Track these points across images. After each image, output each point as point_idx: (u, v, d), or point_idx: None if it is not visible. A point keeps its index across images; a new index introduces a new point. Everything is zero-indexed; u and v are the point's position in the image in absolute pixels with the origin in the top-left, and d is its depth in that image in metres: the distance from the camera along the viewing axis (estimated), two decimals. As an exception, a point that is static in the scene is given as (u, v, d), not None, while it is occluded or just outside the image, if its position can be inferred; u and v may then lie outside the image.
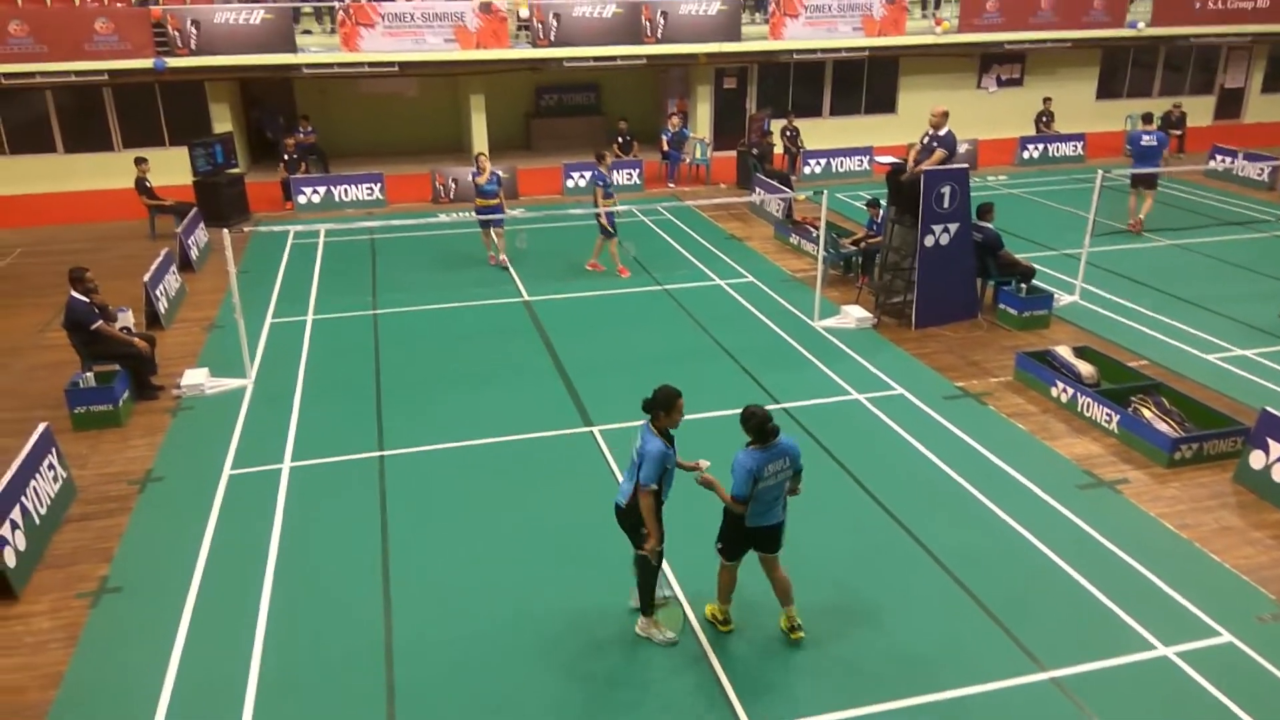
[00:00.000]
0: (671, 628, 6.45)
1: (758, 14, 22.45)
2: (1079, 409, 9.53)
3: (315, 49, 20.15)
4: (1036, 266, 12.87)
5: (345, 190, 19.08)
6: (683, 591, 6.85)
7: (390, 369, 11.01)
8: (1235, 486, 8.26)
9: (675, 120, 21.23)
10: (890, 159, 12.37)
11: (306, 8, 20.48)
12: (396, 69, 20.35)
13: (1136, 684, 6.01)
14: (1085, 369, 9.96)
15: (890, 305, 12.35)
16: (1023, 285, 12.09)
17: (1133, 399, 9.32)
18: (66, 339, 10.18)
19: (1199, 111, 25.85)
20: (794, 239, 15.85)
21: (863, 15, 22.25)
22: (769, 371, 10.75)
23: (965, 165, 12.53)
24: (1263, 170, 19.12)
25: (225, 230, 10.72)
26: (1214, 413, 9.06)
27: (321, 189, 18.98)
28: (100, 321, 10.03)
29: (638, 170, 20.20)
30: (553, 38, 20.67)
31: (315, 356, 11.45)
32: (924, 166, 11.52)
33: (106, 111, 20.65)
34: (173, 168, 18.72)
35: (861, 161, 21.41)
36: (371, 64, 20.08)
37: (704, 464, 6.11)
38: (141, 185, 16.80)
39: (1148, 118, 16.52)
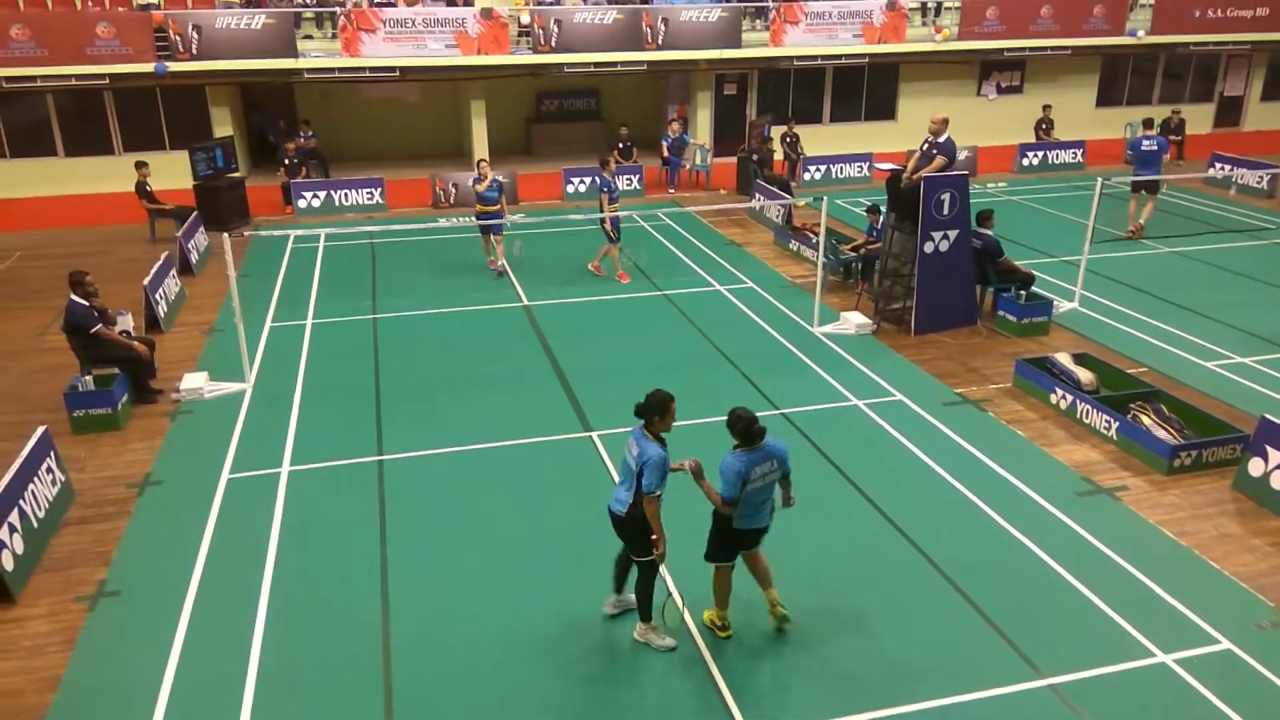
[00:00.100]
0: (670, 621, 6.46)
1: (758, 21, 22.50)
2: (1078, 416, 9.53)
3: (316, 54, 20.18)
4: (1036, 273, 12.86)
5: (345, 195, 19.10)
6: (680, 594, 6.84)
7: (390, 373, 11.01)
8: (1234, 494, 8.26)
9: (676, 126, 21.28)
10: (890, 165, 12.39)
11: (308, 13, 20.50)
12: (397, 74, 20.36)
13: (1135, 691, 6.00)
14: (1084, 376, 9.95)
15: (890, 311, 12.36)
16: (1022, 292, 12.10)
17: (1132, 406, 9.32)
18: (66, 342, 10.18)
19: (1198, 119, 25.93)
20: (794, 245, 15.86)
21: (863, 23, 22.31)
22: (768, 377, 10.76)
23: (965, 172, 12.55)
24: (1261, 178, 19.16)
25: (225, 234, 10.74)
26: (1213, 420, 9.05)
27: (322, 193, 18.99)
28: (100, 325, 10.03)
29: (638, 176, 20.24)
30: (554, 44, 20.70)
31: (315, 360, 11.44)
32: (924, 173, 11.54)
33: (107, 115, 20.67)
34: (173, 171, 18.72)
35: (861, 168, 21.45)
36: (373, 69, 20.08)
37: (689, 462, 6.11)
38: (142, 189, 16.82)
39: (1148, 122, 16.57)
